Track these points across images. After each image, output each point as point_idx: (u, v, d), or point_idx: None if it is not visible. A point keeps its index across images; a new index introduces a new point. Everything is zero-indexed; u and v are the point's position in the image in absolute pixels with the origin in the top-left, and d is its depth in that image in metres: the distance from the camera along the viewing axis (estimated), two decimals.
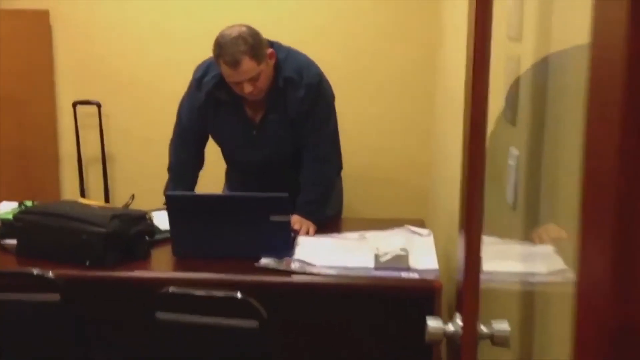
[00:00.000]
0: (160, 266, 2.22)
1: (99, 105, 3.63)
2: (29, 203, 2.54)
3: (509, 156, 1.43)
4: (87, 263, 2.06)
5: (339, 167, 2.77)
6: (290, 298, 2.08)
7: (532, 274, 1.51)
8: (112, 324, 2.08)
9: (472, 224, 1.26)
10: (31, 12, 3.58)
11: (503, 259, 1.62)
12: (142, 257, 2.16)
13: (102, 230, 2.05)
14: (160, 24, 3.60)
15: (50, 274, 1.79)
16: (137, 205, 2.68)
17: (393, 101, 3.59)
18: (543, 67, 1.28)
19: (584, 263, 0.63)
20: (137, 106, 3.70)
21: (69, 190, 3.81)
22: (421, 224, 2.61)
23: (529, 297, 1.47)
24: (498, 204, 1.49)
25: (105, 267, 2.07)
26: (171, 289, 1.72)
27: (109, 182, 3.74)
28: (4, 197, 3.25)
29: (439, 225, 2.96)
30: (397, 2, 3.48)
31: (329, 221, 2.60)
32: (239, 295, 1.68)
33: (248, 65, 2.31)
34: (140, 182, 3.69)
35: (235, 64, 2.31)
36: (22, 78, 3.50)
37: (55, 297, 1.79)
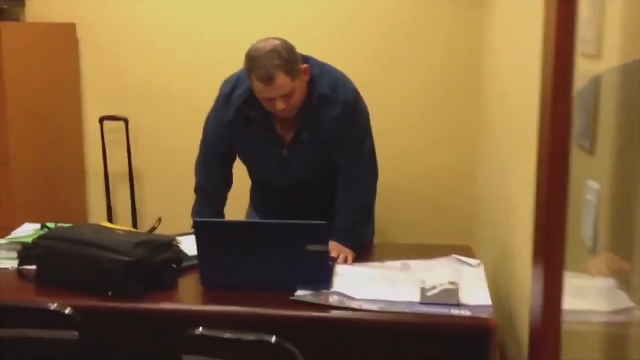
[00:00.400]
0: (188, 297, 2.06)
1: (126, 121, 3.51)
2: (51, 225, 2.41)
3: (586, 190, 1.24)
4: (110, 293, 1.91)
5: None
6: (329, 334, 1.90)
7: (593, 312, 1.34)
8: None
9: (553, 267, 1.09)
10: (58, 25, 3.47)
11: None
12: (168, 287, 2.01)
13: (126, 258, 1.90)
14: (190, 37, 3.47)
15: (68, 310, 1.64)
16: (165, 227, 2.54)
17: (432, 109, 3.38)
18: (632, 78, 1.10)
19: None
20: (166, 122, 3.57)
21: (95, 208, 3.70)
22: (468, 252, 2.42)
23: (594, 340, 1.29)
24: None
25: (129, 297, 1.92)
26: (199, 330, 1.56)
27: (136, 200, 3.62)
28: (28, 214, 3.14)
29: (484, 250, 2.77)
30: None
31: (365, 247, 2.44)
32: (273, 339, 1.51)
33: (282, 80, 2.17)
34: (169, 201, 3.57)
35: (268, 79, 2.16)
36: (48, 92, 3.39)
37: (72, 334, 1.64)
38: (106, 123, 3.53)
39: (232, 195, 2.61)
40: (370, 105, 2.51)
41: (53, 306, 1.64)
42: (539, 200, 1.12)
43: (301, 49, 2.31)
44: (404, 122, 3.39)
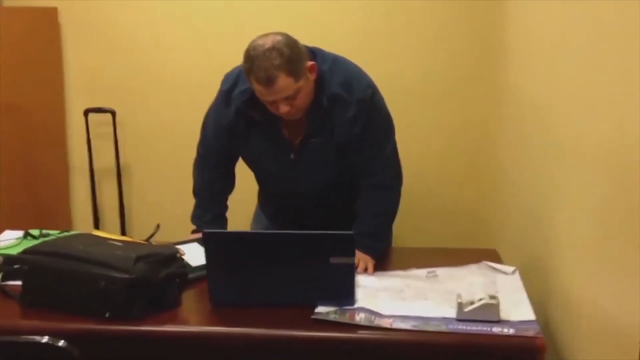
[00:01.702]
0: (195, 318, 1.83)
1: (113, 113, 3.25)
2: (35, 232, 2.17)
3: None
4: (107, 315, 1.68)
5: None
6: (357, 358, 1.69)
7: None
8: None
9: None
10: (38, 10, 3.20)
11: None
12: (172, 306, 1.78)
13: (125, 276, 1.67)
14: (182, 22, 3.22)
15: (62, 343, 1.40)
16: (162, 233, 2.31)
17: (447, 105, 3.19)
18: None
19: None
20: (156, 114, 3.32)
21: (80, 208, 3.45)
22: (495, 256, 2.22)
23: None
24: None
25: (129, 319, 1.69)
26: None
27: (124, 198, 3.37)
28: (6, 215, 2.89)
29: (508, 254, 2.56)
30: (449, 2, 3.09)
31: (385, 252, 2.23)
32: None
33: (284, 82, 1.93)
34: (160, 200, 3.34)
35: (268, 81, 1.92)
36: (27, 83, 3.13)
37: None
38: (92, 116, 3.27)
39: (237, 196, 2.38)
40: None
41: (44, 339, 1.40)
42: None
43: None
44: (417, 118, 3.19)
